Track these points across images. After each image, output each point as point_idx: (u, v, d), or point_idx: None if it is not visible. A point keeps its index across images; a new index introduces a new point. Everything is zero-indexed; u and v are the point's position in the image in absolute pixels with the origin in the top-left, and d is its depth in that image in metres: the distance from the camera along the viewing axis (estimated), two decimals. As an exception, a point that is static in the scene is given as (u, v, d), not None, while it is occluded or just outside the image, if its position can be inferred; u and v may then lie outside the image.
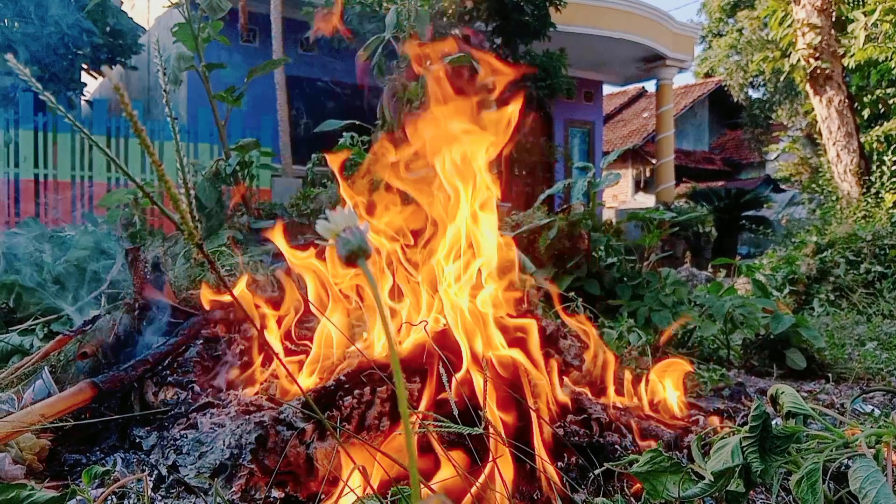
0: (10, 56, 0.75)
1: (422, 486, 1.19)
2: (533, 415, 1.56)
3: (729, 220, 15.30)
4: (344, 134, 4.99)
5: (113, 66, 10.87)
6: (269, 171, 7.82)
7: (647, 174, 22.02)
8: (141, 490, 1.40)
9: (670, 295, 3.89)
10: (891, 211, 8.16)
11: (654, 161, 17.02)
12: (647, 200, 19.73)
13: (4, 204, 8.29)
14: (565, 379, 1.82)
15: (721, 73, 21.12)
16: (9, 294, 2.93)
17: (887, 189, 8.81)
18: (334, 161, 1.93)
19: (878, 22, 8.64)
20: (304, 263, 1.84)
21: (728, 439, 1.30)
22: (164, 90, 0.86)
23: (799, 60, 9.30)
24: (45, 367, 2.00)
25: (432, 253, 1.84)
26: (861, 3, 9.14)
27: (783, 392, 1.45)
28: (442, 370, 1.36)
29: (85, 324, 2.16)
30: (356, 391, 1.59)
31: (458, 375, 1.57)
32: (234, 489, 1.40)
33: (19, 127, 8.30)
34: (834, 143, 9.20)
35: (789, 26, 9.69)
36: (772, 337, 3.27)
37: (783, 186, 17.92)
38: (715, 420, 1.95)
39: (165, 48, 5.30)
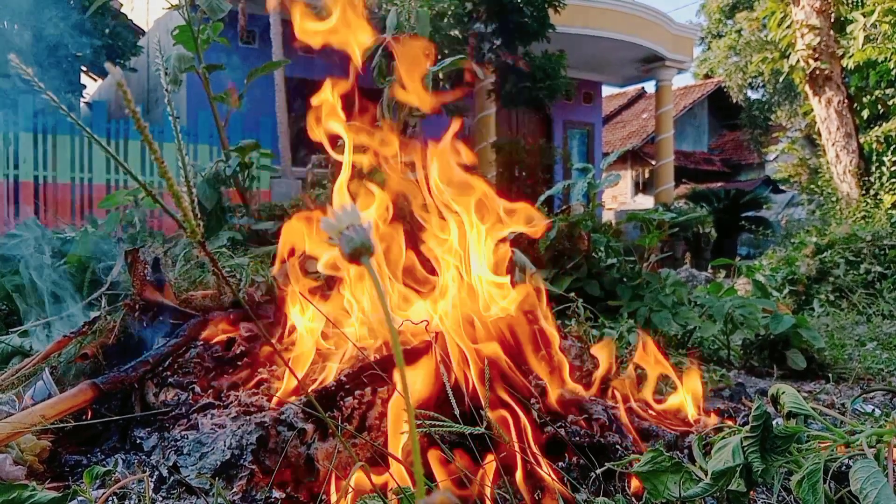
0: (13, 56, 0.75)
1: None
2: (533, 415, 1.56)
3: (728, 220, 15.29)
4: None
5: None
6: (268, 173, 7.82)
7: (647, 175, 22.02)
8: (142, 491, 1.40)
9: (670, 295, 3.89)
10: (890, 211, 8.16)
11: (653, 162, 17.03)
12: (646, 201, 19.74)
13: (4, 206, 8.29)
14: (566, 379, 1.82)
15: (720, 74, 21.13)
16: (9, 296, 2.93)
17: (886, 190, 8.82)
18: None
19: (876, 23, 8.64)
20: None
21: (729, 439, 1.30)
22: (166, 90, 0.86)
23: (798, 61, 9.31)
24: (46, 369, 2.00)
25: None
26: (860, 4, 9.15)
27: (784, 392, 1.45)
28: (442, 370, 1.35)
29: (85, 325, 2.15)
30: (357, 391, 1.59)
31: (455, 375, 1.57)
32: (235, 490, 1.40)
33: (19, 129, 8.30)
34: (833, 144, 9.21)
35: (788, 27, 9.70)
36: (772, 337, 3.27)
37: (782, 187, 17.91)
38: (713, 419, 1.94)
39: (165, 50, 5.30)
